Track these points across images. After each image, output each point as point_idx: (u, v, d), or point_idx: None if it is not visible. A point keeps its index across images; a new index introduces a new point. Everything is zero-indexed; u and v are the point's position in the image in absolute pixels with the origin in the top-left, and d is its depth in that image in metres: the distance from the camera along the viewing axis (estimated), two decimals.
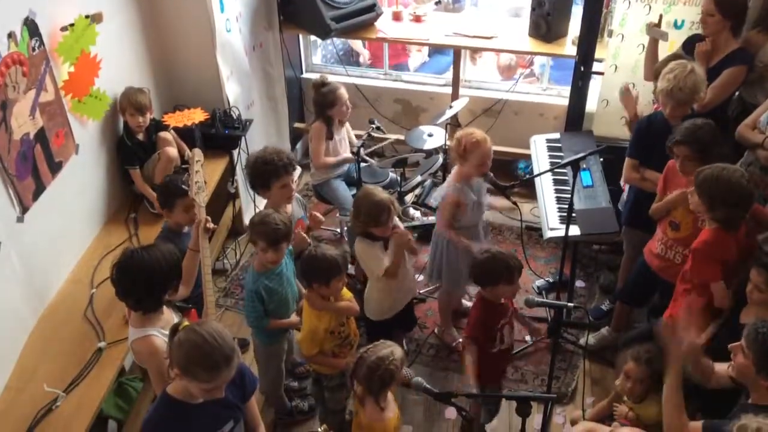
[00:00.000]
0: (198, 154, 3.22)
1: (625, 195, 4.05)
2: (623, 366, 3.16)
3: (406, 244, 3.37)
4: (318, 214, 3.68)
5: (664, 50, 4.06)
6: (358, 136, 4.55)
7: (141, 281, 2.59)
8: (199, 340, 2.17)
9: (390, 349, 2.73)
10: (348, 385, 3.33)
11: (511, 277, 3.14)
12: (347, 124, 4.55)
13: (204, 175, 3.19)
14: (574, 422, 3.60)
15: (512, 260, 3.16)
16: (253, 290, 3.22)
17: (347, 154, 4.49)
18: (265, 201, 3.59)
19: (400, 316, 3.68)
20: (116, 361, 3.22)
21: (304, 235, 3.48)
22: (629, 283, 3.92)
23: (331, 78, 4.49)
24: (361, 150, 4.28)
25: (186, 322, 2.29)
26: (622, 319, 4.04)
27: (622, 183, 4.06)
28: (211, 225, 3.05)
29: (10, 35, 3.04)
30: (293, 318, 3.43)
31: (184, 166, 4.07)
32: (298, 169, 3.59)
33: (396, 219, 3.44)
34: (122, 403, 3.66)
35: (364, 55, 5.99)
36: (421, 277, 4.39)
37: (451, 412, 3.79)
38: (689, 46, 3.88)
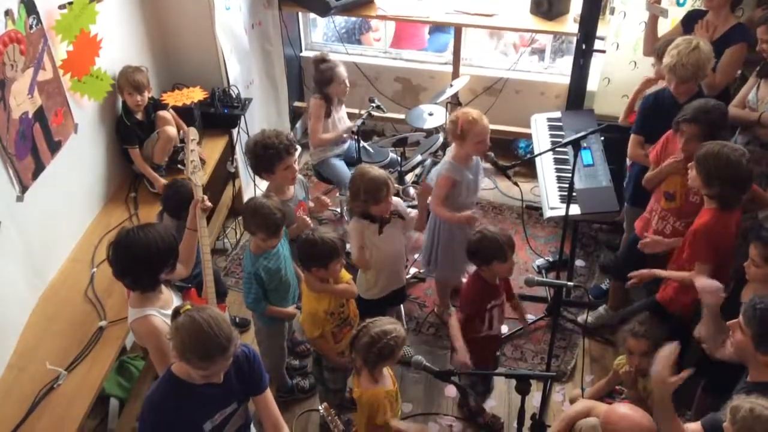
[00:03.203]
0: (193, 132, 3.20)
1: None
2: (624, 344, 3.18)
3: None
4: (324, 198, 3.67)
5: (665, 26, 4.03)
6: (357, 115, 4.52)
7: (137, 260, 2.59)
8: (196, 327, 2.17)
9: (395, 326, 2.75)
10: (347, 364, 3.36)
11: (503, 255, 3.17)
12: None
13: (200, 153, 3.17)
14: (573, 400, 3.62)
15: (502, 238, 3.18)
16: (253, 272, 3.22)
17: (345, 126, 4.47)
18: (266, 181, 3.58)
19: (392, 294, 3.68)
20: (117, 340, 3.22)
21: (306, 218, 3.48)
22: (620, 260, 3.93)
23: (330, 56, 4.46)
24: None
25: (188, 305, 2.29)
26: (619, 296, 4.05)
27: (628, 163, 4.04)
28: (207, 204, 3.04)
29: (7, 13, 3.00)
30: (291, 309, 3.45)
31: (182, 145, 4.06)
32: (299, 149, 3.57)
33: (396, 198, 3.43)
34: (124, 381, 3.70)
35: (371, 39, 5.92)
36: (419, 257, 4.39)
37: (450, 390, 3.81)
38: (689, 22, 3.85)
